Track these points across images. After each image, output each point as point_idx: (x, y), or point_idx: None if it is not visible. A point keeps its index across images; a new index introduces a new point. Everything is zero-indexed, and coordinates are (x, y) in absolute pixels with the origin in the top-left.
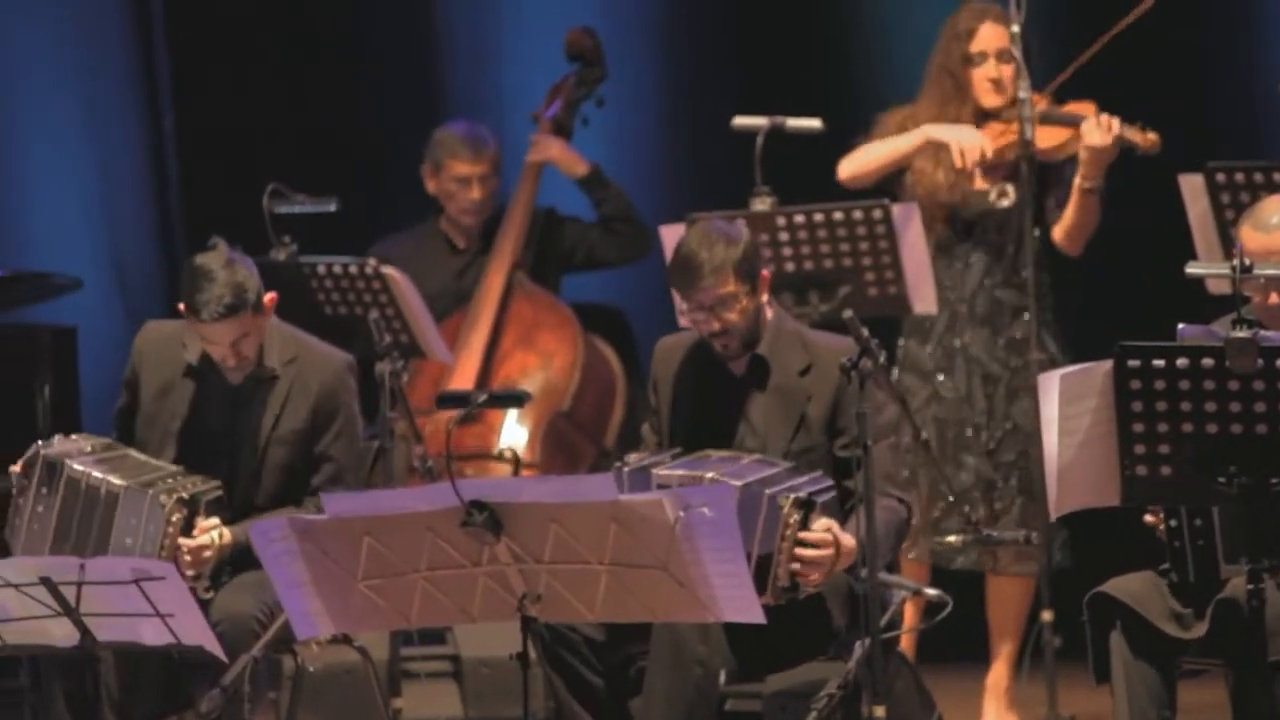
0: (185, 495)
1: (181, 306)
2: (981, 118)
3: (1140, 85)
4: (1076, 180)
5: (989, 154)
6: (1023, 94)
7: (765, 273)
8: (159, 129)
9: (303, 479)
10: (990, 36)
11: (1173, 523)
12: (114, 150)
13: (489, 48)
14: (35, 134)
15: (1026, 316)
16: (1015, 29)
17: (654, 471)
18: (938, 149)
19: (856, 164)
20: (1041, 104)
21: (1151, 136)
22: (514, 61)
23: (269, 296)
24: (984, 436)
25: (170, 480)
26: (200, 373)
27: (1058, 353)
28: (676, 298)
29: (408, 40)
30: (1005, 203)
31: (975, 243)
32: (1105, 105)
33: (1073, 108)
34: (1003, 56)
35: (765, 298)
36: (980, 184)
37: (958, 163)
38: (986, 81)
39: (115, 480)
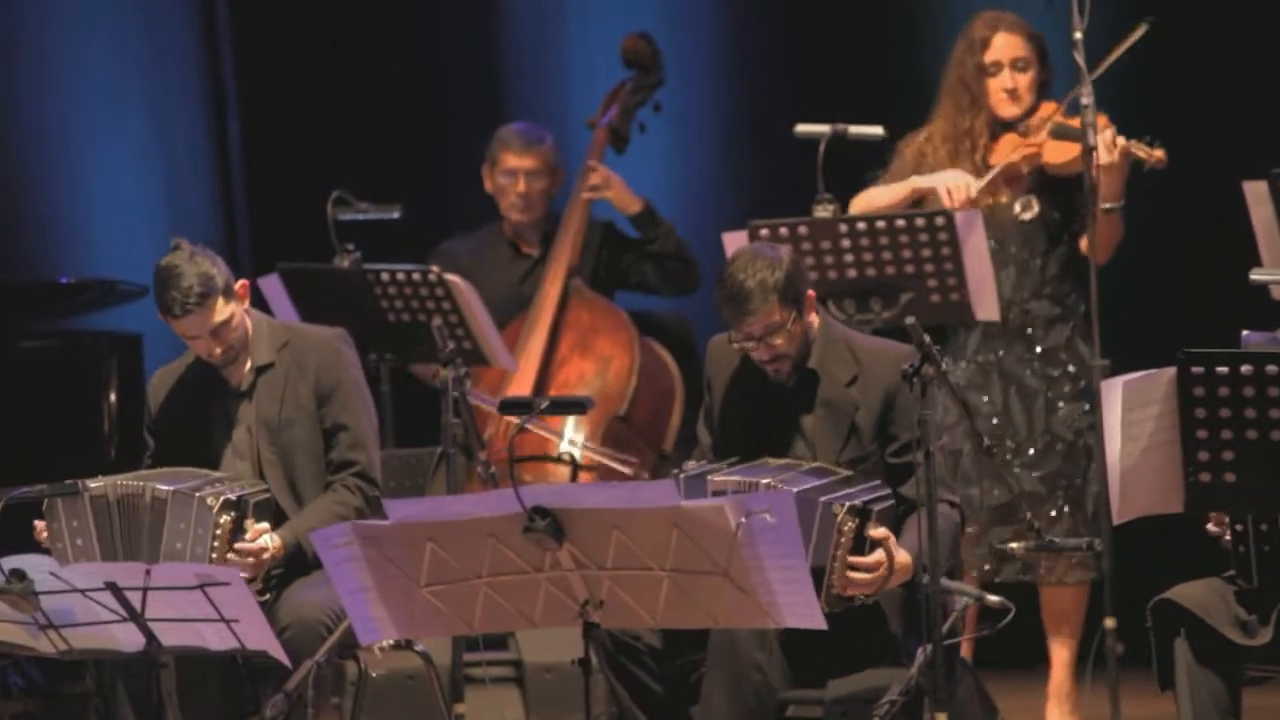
0: (232, 497)
1: (160, 315)
2: (998, 128)
3: (1197, 89)
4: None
5: (973, 194)
6: (1085, 100)
7: (811, 293)
8: (224, 136)
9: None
10: (1005, 46)
11: (1239, 527)
12: (179, 157)
13: (553, 58)
14: (101, 141)
15: (1060, 327)
16: (1078, 35)
17: (710, 478)
18: (950, 160)
19: (860, 209)
20: (1055, 114)
21: (1158, 153)
22: (578, 70)
23: (241, 284)
24: (1025, 449)
25: (215, 485)
26: (203, 385)
27: (1103, 360)
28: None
29: (473, 48)
30: (1029, 215)
31: (1003, 258)
32: (1151, 111)
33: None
34: (1017, 65)
35: (814, 317)
36: (1003, 198)
37: (946, 203)
38: (1002, 92)
39: (161, 486)
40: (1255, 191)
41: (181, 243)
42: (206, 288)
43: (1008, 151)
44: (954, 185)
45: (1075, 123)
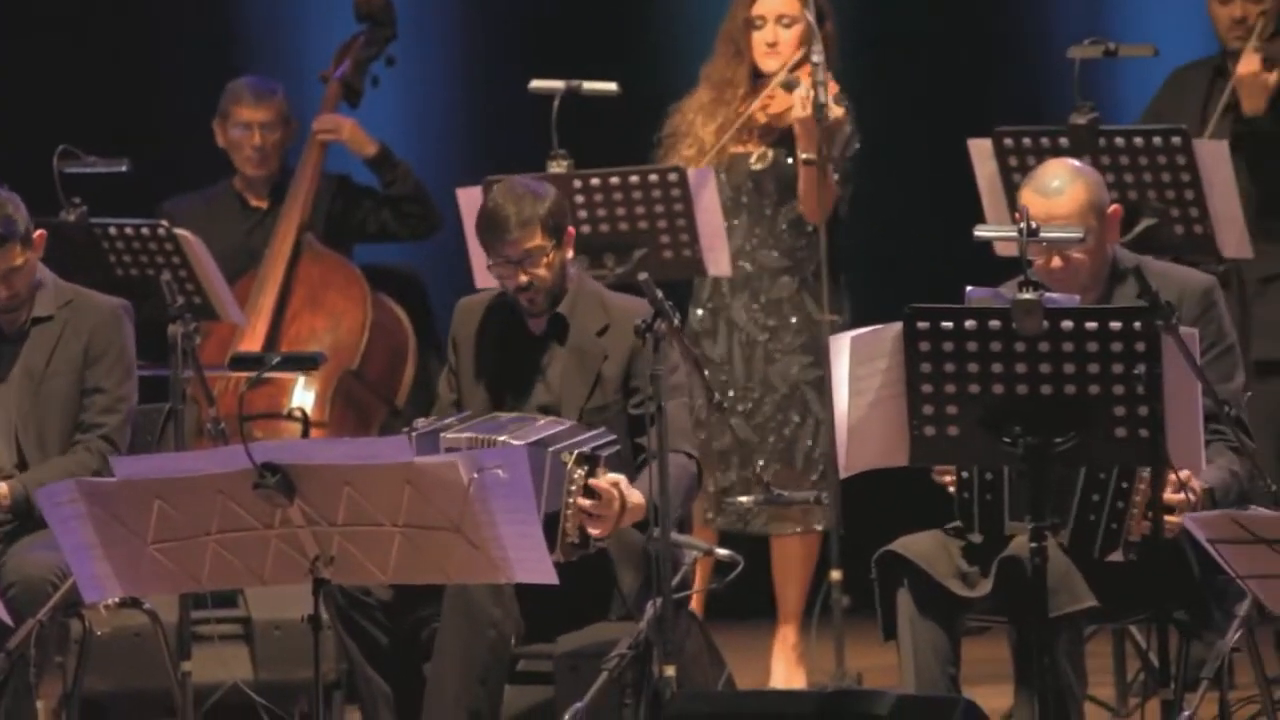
0: None
1: None
2: (756, 80)
3: (924, 50)
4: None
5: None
6: (816, 58)
7: (571, 229)
8: None
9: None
10: (771, 2)
11: (964, 475)
12: None
13: (285, 10)
14: None
15: (786, 279)
16: None
17: (442, 435)
18: (709, 114)
19: None
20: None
21: (838, 111)
22: (310, 24)
23: (39, 233)
24: (742, 398)
25: None
26: None
27: (830, 315)
28: (475, 256)
29: (200, 1)
30: (762, 165)
31: (737, 207)
32: (894, 72)
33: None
34: (782, 21)
35: (570, 254)
36: (745, 147)
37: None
38: (764, 45)
39: None
40: (979, 149)
41: None
42: (7, 230)
43: (758, 104)
44: None
45: (799, 75)
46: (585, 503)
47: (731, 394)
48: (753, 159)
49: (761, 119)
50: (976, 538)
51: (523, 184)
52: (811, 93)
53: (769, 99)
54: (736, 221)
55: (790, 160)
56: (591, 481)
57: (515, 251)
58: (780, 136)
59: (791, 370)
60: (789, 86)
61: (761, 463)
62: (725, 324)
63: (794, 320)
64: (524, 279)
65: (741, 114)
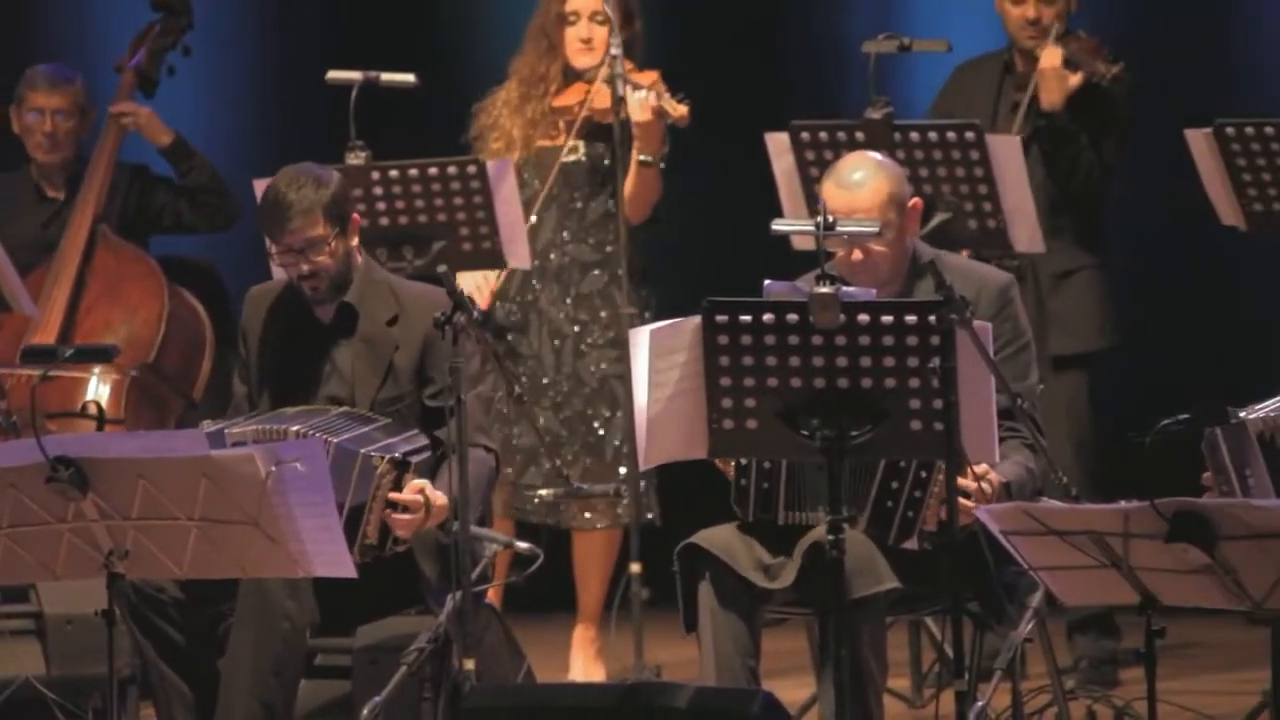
0: None
1: None
2: (570, 76)
3: (719, 46)
4: (634, 152)
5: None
6: (614, 51)
7: (355, 216)
8: None
9: None
10: None
11: (743, 461)
12: None
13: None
14: None
15: (597, 273)
16: None
17: (227, 431)
18: (517, 109)
19: None
20: (621, 64)
21: (682, 109)
22: (105, 13)
23: None
24: (552, 392)
25: None
26: None
27: (631, 308)
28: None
29: None
30: (574, 158)
31: (548, 199)
32: (688, 69)
33: (639, 77)
34: (595, 18)
35: (356, 242)
36: (557, 140)
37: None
38: (578, 41)
39: None
40: (776, 143)
41: None
42: None
43: (570, 98)
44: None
45: (640, 77)
46: (396, 516)
47: (545, 382)
48: (564, 152)
49: (580, 113)
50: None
51: (304, 170)
52: (651, 95)
53: (587, 93)
54: (546, 215)
55: (603, 154)
56: (394, 496)
57: (296, 240)
58: (592, 130)
59: (601, 364)
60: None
61: (570, 456)
62: (535, 317)
63: (604, 315)
64: (306, 268)
65: (553, 109)
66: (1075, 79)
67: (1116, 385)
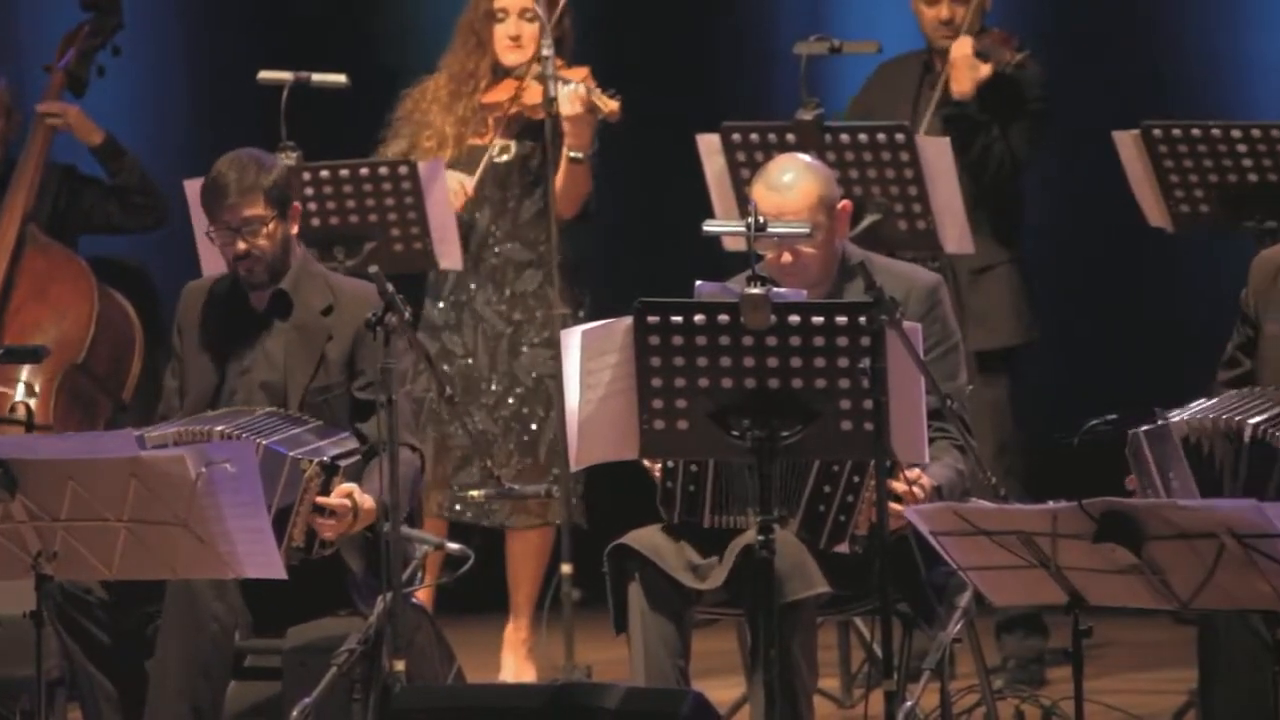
0: None
1: None
2: (499, 73)
3: (650, 47)
4: (564, 148)
5: (469, 191)
6: (545, 51)
7: (298, 205)
8: None
9: None
10: None
11: (669, 464)
12: None
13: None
14: None
15: (531, 272)
16: None
17: (146, 435)
18: (446, 106)
19: None
20: (552, 62)
21: (613, 104)
22: (33, 12)
23: None
24: (486, 392)
25: None
26: None
27: (565, 308)
28: (203, 248)
29: None
30: (505, 157)
31: (480, 199)
32: (619, 69)
33: (569, 72)
34: (525, 15)
35: (296, 231)
36: (487, 139)
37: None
38: (506, 39)
39: None
40: (708, 144)
41: None
42: None
43: (500, 95)
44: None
45: (570, 73)
46: (318, 519)
47: (483, 386)
48: (495, 151)
49: (510, 110)
50: (696, 521)
51: (248, 153)
52: (581, 89)
53: (519, 89)
54: (479, 214)
55: (534, 153)
56: (321, 500)
57: (234, 218)
58: (524, 128)
59: (537, 364)
60: (547, 81)
61: (505, 456)
62: (470, 317)
63: (539, 314)
64: (242, 247)
65: (482, 105)
66: (986, 69)
67: (1040, 385)
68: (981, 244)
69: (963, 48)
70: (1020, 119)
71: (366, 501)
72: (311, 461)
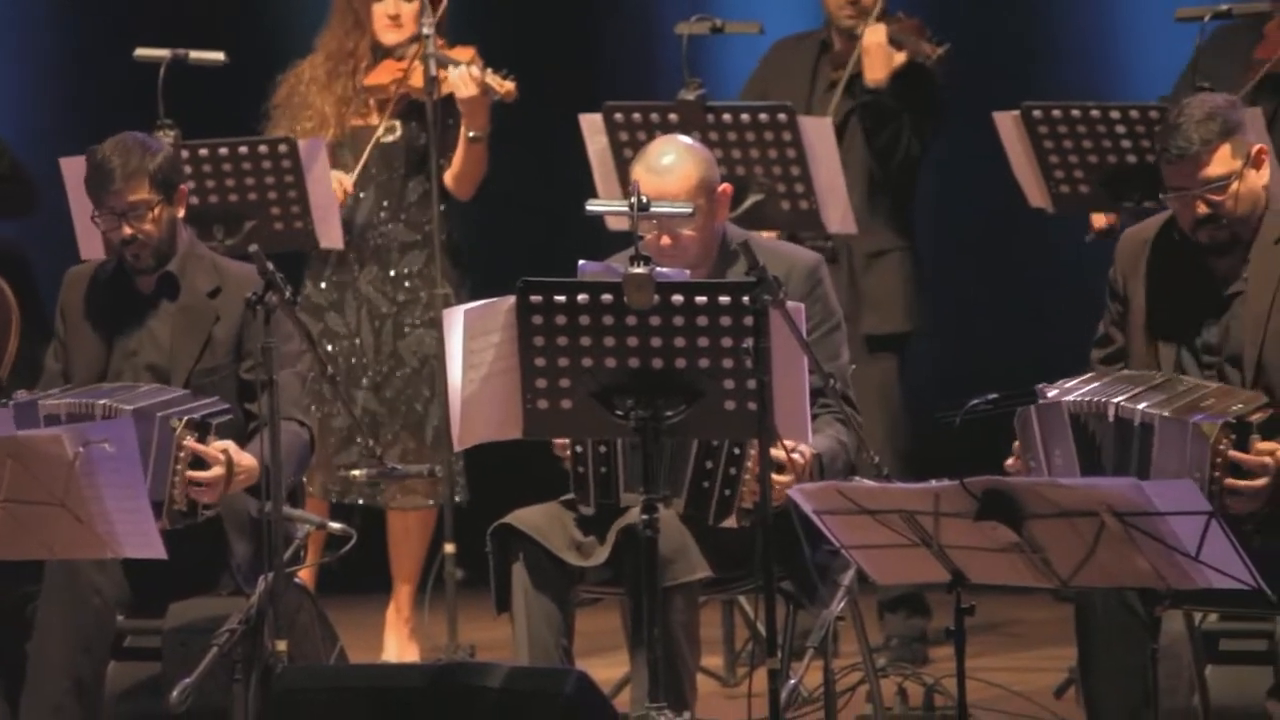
0: None
1: None
2: (379, 54)
3: (532, 26)
4: (461, 129)
5: (349, 188)
6: (426, 30)
7: (184, 188)
8: None
9: None
10: None
11: (579, 449)
12: None
13: None
14: None
15: (416, 253)
16: None
17: (40, 403)
18: (325, 86)
19: None
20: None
21: (508, 85)
22: None
23: None
24: (371, 372)
25: None
26: None
27: (446, 289)
28: (81, 228)
29: None
30: (391, 138)
31: (365, 179)
32: (503, 48)
33: (454, 52)
34: None
35: (182, 214)
36: (371, 119)
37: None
38: (385, 18)
39: None
40: (590, 123)
41: None
42: None
43: (383, 76)
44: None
45: (453, 53)
46: (194, 474)
47: (367, 366)
48: (380, 131)
49: (395, 92)
50: (589, 510)
51: (133, 137)
52: (475, 70)
53: (402, 71)
54: (365, 195)
55: (419, 134)
56: (197, 446)
57: (119, 203)
58: (407, 109)
59: (422, 345)
60: (441, 64)
61: (390, 437)
62: (353, 297)
63: (424, 295)
64: (128, 231)
65: (365, 88)
66: (900, 57)
67: (927, 368)
68: (880, 229)
69: (876, 35)
70: (930, 110)
71: (244, 458)
72: (181, 420)
